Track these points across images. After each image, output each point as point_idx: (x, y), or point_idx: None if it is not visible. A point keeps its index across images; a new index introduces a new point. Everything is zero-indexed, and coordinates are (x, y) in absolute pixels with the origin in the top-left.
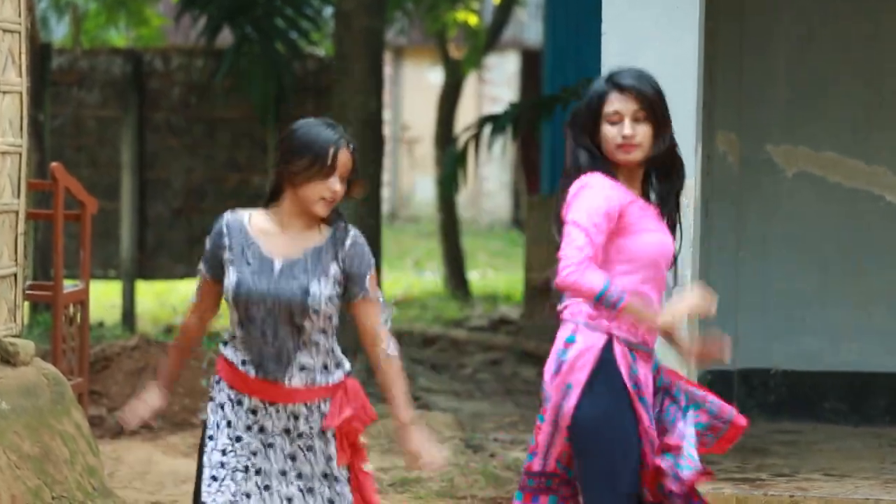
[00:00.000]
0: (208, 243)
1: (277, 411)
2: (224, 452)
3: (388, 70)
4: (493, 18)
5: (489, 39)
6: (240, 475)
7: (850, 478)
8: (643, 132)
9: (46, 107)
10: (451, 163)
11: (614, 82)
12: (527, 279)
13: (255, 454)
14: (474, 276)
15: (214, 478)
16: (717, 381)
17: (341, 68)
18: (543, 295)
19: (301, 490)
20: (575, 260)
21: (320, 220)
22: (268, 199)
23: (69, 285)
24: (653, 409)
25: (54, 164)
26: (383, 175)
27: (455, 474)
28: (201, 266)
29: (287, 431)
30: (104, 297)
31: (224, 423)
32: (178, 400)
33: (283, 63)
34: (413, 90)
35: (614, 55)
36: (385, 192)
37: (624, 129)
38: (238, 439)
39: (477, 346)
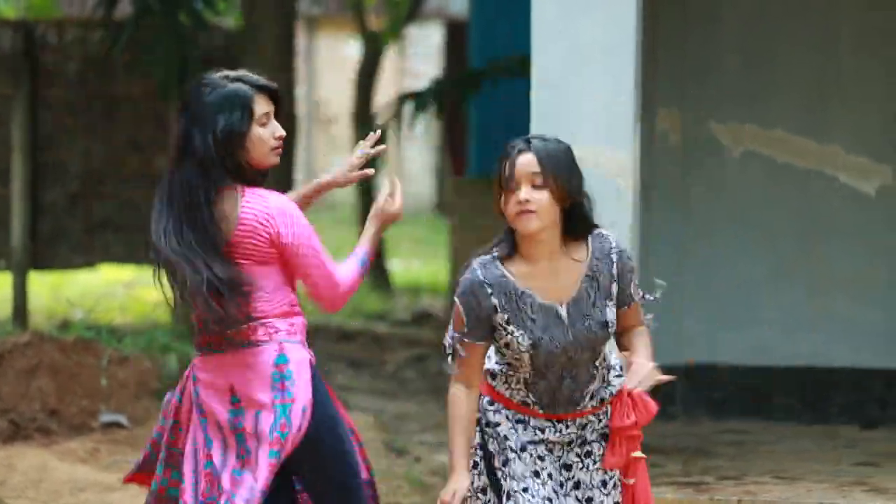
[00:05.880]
0: (468, 310)
1: (567, 426)
2: (506, 463)
3: (300, 42)
4: None
5: (410, 9)
6: (530, 481)
7: (803, 481)
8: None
9: None
10: None
11: (253, 84)
12: (453, 269)
13: (542, 458)
14: (396, 266)
15: (525, 489)
16: None
17: (250, 41)
18: None
19: (579, 500)
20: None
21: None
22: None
23: None
24: None
25: None
26: (297, 156)
27: (376, 480)
28: (459, 336)
29: (569, 443)
30: None
31: (499, 438)
32: (76, 401)
33: (188, 36)
34: (328, 64)
35: (546, 26)
36: (298, 175)
37: (277, 131)
38: (523, 448)
39: (400, 342)
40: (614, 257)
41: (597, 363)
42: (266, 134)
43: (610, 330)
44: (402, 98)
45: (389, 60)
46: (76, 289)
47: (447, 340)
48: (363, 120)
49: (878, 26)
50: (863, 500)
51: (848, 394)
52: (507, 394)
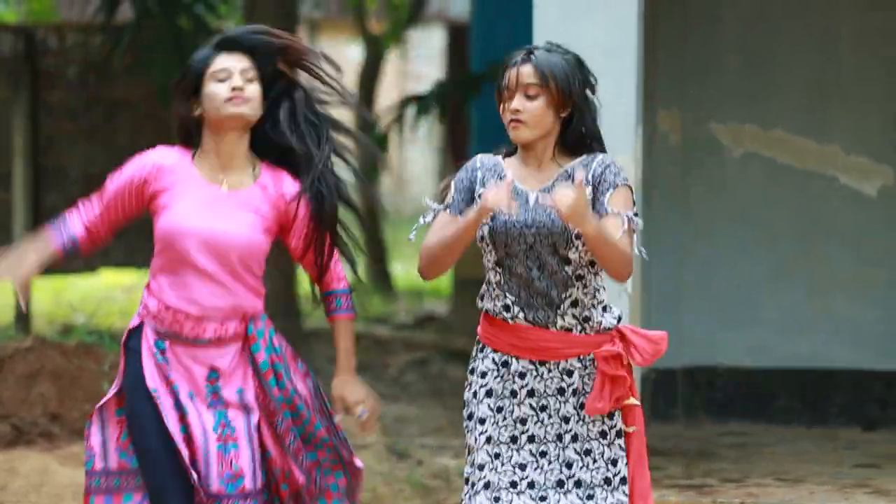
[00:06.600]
0: (457, 181)
1: (549, 370)
2: (483, 421)
3: None
4: None
5: (412, 12)
6: (504, 447)
7: (805, 483)
8: (254, 89)
9: None
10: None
11: (219, 44)
12: (455, 272)
13: (523, 421)
14: (398, 269)
15: (481, 465)
16: (659, 379)
17: None
18: (472, 289)
19: (578, 453)
20: None
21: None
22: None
23: None
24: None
25: None
26: None
27: (378, 483)
28: (440, 206)
29: (561, 391)
30: None
31: (484, 392)
32: (77, 406)
33: (188, 40)
34: None
35: (547, 28)
36: None
37: (234, 82)
38: (499, 409)
39: (401, 345)
40: (594, 165)
41: (567, 269)
42: (216, 88)
43: (571, 228)
44: (405, 101)
45: (391, 63)
46: (77, 293)
47: (429, 203)
48: (365, 123)
49: (878, 26)
50: (865, 501)
51: (848, 395)
52: (492, 307)
